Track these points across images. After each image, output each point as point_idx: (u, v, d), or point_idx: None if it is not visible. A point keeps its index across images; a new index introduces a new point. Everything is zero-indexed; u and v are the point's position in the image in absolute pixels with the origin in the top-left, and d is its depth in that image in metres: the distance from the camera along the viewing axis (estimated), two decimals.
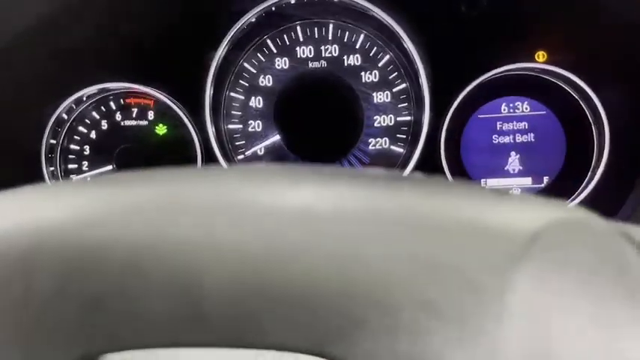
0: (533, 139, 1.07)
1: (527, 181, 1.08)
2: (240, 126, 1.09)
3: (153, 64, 1.03)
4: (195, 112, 1.04)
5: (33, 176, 1.04)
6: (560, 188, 1.04)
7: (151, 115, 1.10)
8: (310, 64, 1.08)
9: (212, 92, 1.03)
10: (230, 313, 0.24)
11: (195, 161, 1.06)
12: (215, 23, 1.00)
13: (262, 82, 1.08)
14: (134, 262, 0.25)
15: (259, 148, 1.09)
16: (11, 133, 0.98)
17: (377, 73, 1.08)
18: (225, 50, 1.02)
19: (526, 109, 1.07)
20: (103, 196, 0.27)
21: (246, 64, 1.08)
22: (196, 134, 1.05)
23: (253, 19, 1.02)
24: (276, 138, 1.08)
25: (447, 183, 0.30)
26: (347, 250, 0.24)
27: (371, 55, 1.07)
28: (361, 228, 0.24)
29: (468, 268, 0.23)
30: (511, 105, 1.08)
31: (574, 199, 1.01)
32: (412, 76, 1.05)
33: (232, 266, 0.24)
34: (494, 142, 1.08)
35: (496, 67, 1.00)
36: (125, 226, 0.25)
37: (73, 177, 1.10)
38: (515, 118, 1.07)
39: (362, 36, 1.07)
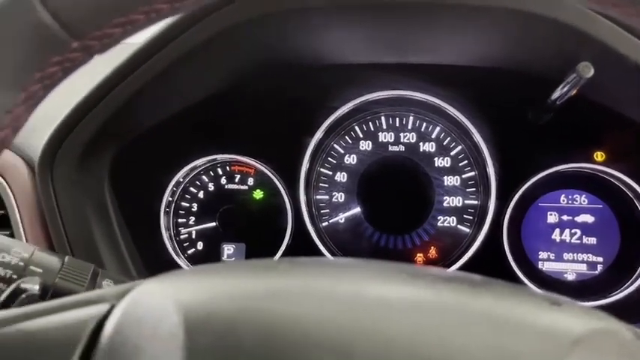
0: (589, 231, 1.18)
1: (582, 268, 1.18)
2: (327, 197, 1.26)
3: (260, 142, 1.23)
4: (291, 183, 1.23)
5: (152, 225, 1.24)
6: (612, 278, 1.14)
7: (250, 181, 1.29)
8: (390, 148, 1.25)
9: (307, 168, 1.22)
10: None
11: (285, 224, 1.24)
12: (314, 115, 1.20)
13: (348, 160, 1.26)
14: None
15: (341, 218, 1.25)
16: (143, 191, 1.20)
17: (449, 159, 1.23)
18: (320, 135, 1.21)
19: (584, 201, 1.19)
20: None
21: (335, 145, 1.26)
22: (289, 202, 1.23)
23: (346, 111, 1.20)
24: (356, 210, 1.25)
25: (516, 291, 0.44)
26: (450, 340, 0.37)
27: (444, 144, 1.23)
28: (456, 324, 0.38)
29: (529, 356, 0.36)
30: (570, 197, 1.20)
31: (623, 291, 1.10)
32: (480, 166, 1.20)
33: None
34: (552, 229, 1.19)
35: (557, 165, 1.13)
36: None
37: (181, 229, 1.30)
38: (573, 209, 1.19)
39: (437, 128, 1.23)
